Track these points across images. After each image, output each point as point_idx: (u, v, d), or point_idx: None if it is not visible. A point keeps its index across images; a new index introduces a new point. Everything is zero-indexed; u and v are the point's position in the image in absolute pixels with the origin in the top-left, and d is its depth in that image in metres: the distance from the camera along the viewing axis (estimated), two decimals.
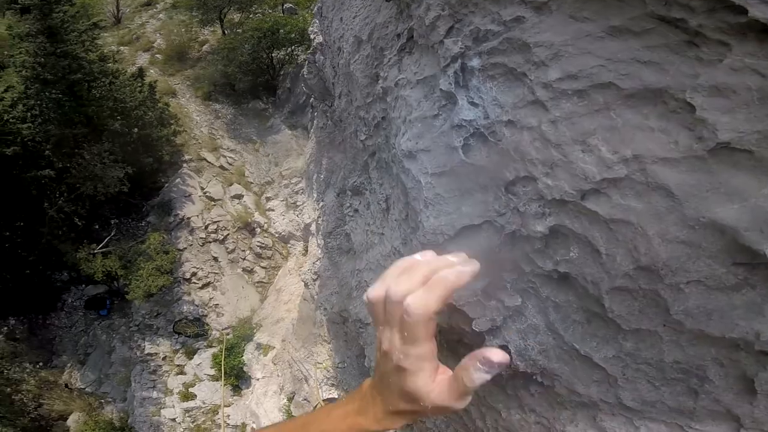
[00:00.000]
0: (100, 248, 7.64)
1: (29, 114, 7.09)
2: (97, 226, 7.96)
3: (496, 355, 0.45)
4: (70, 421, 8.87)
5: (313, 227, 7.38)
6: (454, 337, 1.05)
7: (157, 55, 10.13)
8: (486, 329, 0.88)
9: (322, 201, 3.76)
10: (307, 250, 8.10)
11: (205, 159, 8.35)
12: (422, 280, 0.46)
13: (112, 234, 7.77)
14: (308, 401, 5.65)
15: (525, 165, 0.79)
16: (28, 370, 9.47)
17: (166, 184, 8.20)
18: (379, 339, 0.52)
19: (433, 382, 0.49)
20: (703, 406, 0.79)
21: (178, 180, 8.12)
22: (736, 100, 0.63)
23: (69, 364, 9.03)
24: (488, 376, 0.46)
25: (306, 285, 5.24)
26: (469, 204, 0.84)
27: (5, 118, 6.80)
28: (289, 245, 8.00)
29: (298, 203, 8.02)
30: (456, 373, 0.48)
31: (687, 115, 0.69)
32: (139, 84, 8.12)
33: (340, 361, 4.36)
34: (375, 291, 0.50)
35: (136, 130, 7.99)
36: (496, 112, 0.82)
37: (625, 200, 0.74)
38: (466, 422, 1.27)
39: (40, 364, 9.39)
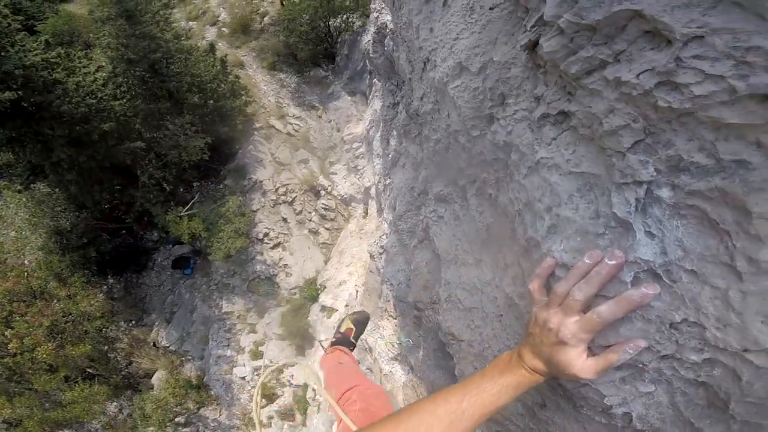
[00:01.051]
0: (186, 211, 8.40)
1: (119, 91, 7.78)
2: (182, 190, 8.77)
3: (643, 342, 0.70)
4: (155, 379, 9.69)
5: (372, 191, 7.42)
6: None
7: (224, 29, 10.56)
8: (616, 403, 0.91)
9: (389, 178, 3.69)
10: (366, 212, 8.18)
11: (274, 126, 8.77)
12: (600, 287, 0.71)
13: (196, 197, 8.50)
14: (371, 371, 5.52)
15: (698, 315, 0.74)
16: (122, 329, 10.47)
17: (240, 151, 8.77)
18: (542, 317, 0.75)
19: (582, 359, 0.72)
20: None
21: (250, 147, 8.65)
22: None
23: (157, 323, 9.93)
24: (628, 357, 0.72)
25: (372, 257, 5.16)
26: (627, 328, 0.79)
27: (100, 96, 7.44)
28: (350, 207, 8.13)
29: (358, 167, 8.13)
30: (603, 355, 0.72)
31: None
32: (212, 59, 8.60)
33: (407, 338, 4.28)
34: (538, 286, 0.82)
35: (212, 102, 8.50)
36: (678, 254, 0.75)
37: None
38: None
39: (133, 322, 10.37)
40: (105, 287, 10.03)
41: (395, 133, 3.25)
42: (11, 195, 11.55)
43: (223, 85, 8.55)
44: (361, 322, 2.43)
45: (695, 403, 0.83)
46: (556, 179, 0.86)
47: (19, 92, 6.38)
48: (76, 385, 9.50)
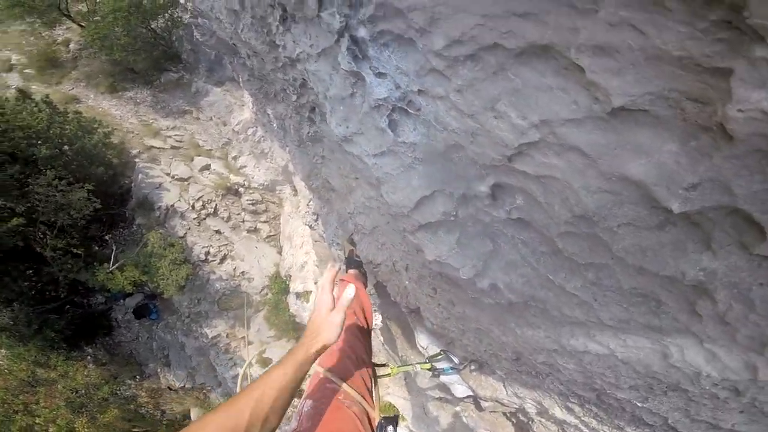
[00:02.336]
0: (113, 265, 7.75)
1: None
2: (97, 248, 7.94)
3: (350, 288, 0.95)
4: (194, 417, 9.60)
5: (290, 167, 6.92)
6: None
7: (26, 70, 8.74)
8: (472, 275, 0.94)
9: (287, 146, 3.58)
10: (295, 190, 7.78)
11: (153, 146, 7.64)
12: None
13: (114, 248, 7.78)
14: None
15: (450, 134, 0.77)
16: (133, 386, 10.68)
17: (132, 184, 7.76)
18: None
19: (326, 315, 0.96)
20: (667, 324, 0.83)
21: (140, 176, 7.59)
22: (622, 61, 0.57)
23: (158, 369, 9.81)
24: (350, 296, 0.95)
25: (311, 227, 5.14)
26: (416, 178, 0.83)
27: None
28: (277, 192, 7.67)
29: (265, 150, 7.45)
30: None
31: (579, 75, 0.64)
32: (33, 104, 7.26)
33: (369, 288, 4.43)
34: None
35: (66, 147, 7.39)
36: (404, 80, 0.79)
37: (547, 159, 0.72)
38: (493, 337, 1.38)
39: (138, 377, 10.29)
40: (89, 357, 9.64)
41: (264, 101, 3.22)
42: None
43: (67, 126, 7.30)
44: (353, 239, 2.45)
45: (540, 251, 0.90)
46: (314, 67, 0.95)
47: None
48: None
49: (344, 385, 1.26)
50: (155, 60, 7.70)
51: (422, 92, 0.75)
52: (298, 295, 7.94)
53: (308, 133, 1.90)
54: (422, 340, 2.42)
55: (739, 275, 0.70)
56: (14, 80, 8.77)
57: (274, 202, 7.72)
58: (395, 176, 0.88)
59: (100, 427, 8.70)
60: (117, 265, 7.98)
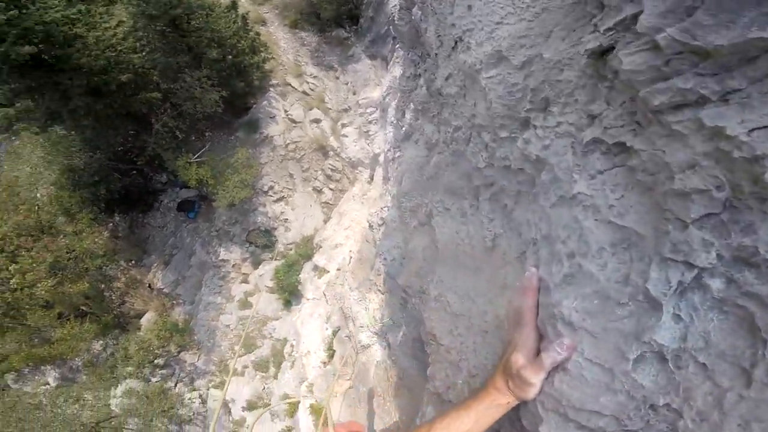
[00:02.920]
0: (196, 158, 8.54)
1: (138, 45, 7.86)
2: (193, 138, 8.85)
3: (568, 340, 0.70)
4: (144, 320, 9.85)
5: (381, 158, 7.35)
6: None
7: None
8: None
9: (400, 151, 3.40)
10: (372, 179, 8.19)
11: (290, 84, 8.75)
12: (523, 292, 0.83)
13: (207, 146, 8.61)
14: (349, 338, 5.57)
15: (682, 404, 0.64)
16: (121, 268, 10.61)
17: (255, 105, 8.77)
18: (507, 340, 0.87)
19: (529, 359, 0.75)
20: None
21: (265, 102, 8.69)
22: None
23: (155, 264, 10.10)
24: (561, 357, 0.71)
25: (370, 227, 4.88)
26: (608, 399, 0.72)
27: (119, 49, 7.60)
28: (357, 171, 8.16)
29: (370, 132, 8.14)
30: (539, 357, 0.74)
31: None
32: (233, 15, 8.59)
33: (389, 318, 4.11)
34: (508, 308, 0.92)
35: (230, 57, 8.52)
36: (698, 344, 0.63)
37: None
38: None
39: (133, 262, 10.55)
40: (111, 225, 10.21)
41: (412, 106, 2.96)
42: (28, 136, 11.81)
43: (242, 42, 8.56)
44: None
45: None
46: (590, 224, 0.69)
47: (40, 46, 6.53)
48: (68, 322, 9.64)
49: None
50: (339, 14, 8.90)
51: (704, 368, 0.59)
52: (315, 267, 7.83)
53: (450, 181, 1.61)
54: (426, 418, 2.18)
55: None
56: None
57: (348, 178, 8.19)
58: (590, 384, 0.71)
59: (57, 293, 8.87)
60: (199, 159, 8.81)
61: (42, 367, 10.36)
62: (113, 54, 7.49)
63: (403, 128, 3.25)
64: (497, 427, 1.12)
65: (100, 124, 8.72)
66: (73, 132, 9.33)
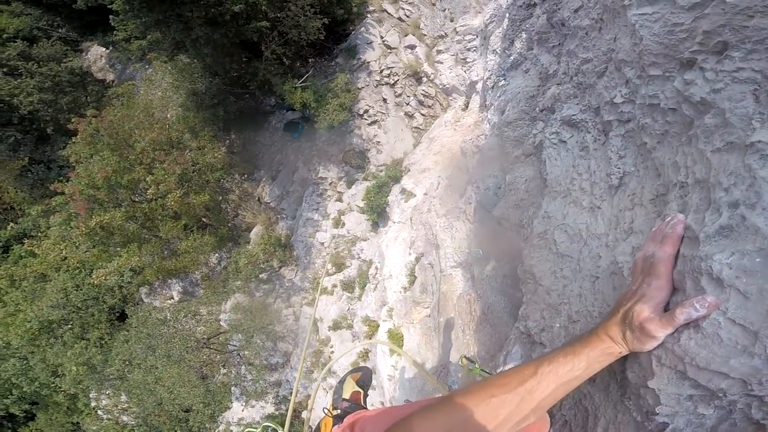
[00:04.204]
0: (301, 83, 9.26)
1: None
2: (298, 64, 9.41)
3: (712, 298, 0.62)
4: (253, 234, 10.71)
5: (479, 86, 7.00)
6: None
7: None
8: (665, 413, 0.76)
9: (504, 79, 3.20)
10: (467, 106, 8.15)
11: (386, 11, 8.63)
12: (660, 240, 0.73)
13: (310, 71, 9.17)
14: (432, 266, 5.38)
15: None
16: (236, 181, 11.59)
17: (353, 32, 8.88)
18: (630, 288, 0.76)
19: (656, 312, 0.69)
20: None
21: (362, 29, 8.80)
22: None
23: (264, 179, 10.97)
24: (699, 314, 0.63)
25: (464, 154, 4.55)
26: (740, 362, 0.63)
27: None
28: (450, 98, 8.22)
29: (468, 60, 7.86)
30: (671, 311, 0.67)
31: None
32: None
33: (477, 249, 3.86)
34: (638, 255, 0.79)
35: None
36: None
37: None
38: (588, 424, 1.13)
39: (245, 176, 11.51)
40: (227, 142, 11.19)
41: (525, 36, 2.75)
42: (159, 65, 13.36)
43: None
44: (366, 382, 2.00)
45: None
46: (765, 174, 0.63)
47: None
48: (192, 233, 10.64)
49: None
50: None
51: None
52: (403, 191, 7.92)
53: (573, 115, 1.45)
54: (512, 357, 1.91)
55: None
56: None
57: (441, 105, 8.33)
58: (724, 344, 0.67)
59: (184, 204, 9.73)
60: (303, 84, 9.55)
61: (168, 281, 11.48)
62: None
63: (511, 57, 3.07)
64: (593, 376, 1.03)
65: (217, 52, 9.56)
66: (195, 60, 10.23)
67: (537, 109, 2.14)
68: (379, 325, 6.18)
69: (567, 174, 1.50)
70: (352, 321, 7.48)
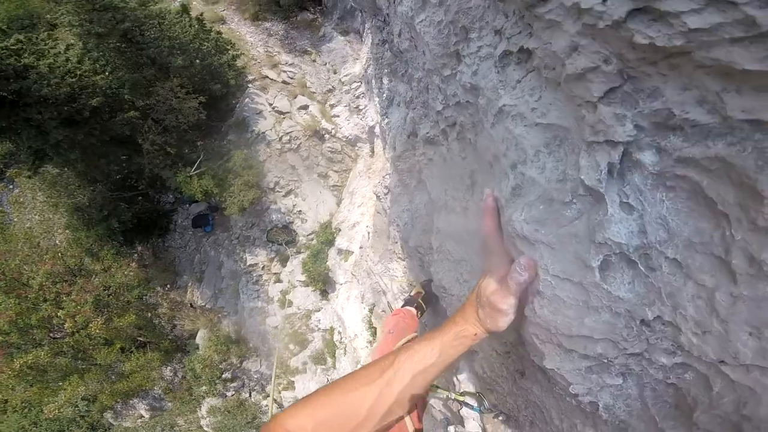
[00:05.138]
0: (195, 170, 8.12)
1: (97, 66, 7.01)
2: (187, 151, 8.24)
3: (525, 258, 0.65)
4: (198, 338, 9.52)
5: (377, 129, 6.92)
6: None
7: None
8: (583, 393, 0.77)
9: (387, 118, 3.36)
10: (373, 151, 7.81)
11: (268, 76, 7.88)
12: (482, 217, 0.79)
13: (202, 156, 8.09)
14: (385, 312, 5.40)
15: (674, 315, 0.58)
16: (160, 294, 10.20)
17: (238, 105, 8.02)
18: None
19: (501, 284, 0.68)
20: None
21: (247, 100, 7.93)
22: None
23: (189, 283, 9.58)
24: (523, 278, 0.65)
25: (378, 197, 4.78)
26: (593, 320, 0.65)
27: (79, 74, 6.75)
28: (356, 148, 7.70)
29: (360, 107, 7.60)
30: (506, 280, 0.67)
31: None
32: (187, 19, 7.80)
33: (414, 279, 3.97)
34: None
35: (198, 61, 7.78)
36: (660, 236, 0.55)
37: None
38: (545, 414, 1.22)
39: (168, 286, 10.06)
40: (135, 255, 9.78)
41: (386, 71, 2.95)
42: (24, 181, 11.32)
43: (206, 44, 7.73)
44: (431, 289, 2.26)
45: (664, 400, 0.71)
46: (520, 131, 0.67)
47: None
48: (132, 354, 9.71)
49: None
50: None
51: (677, 263, 0.54)
52: (339, 251, 7.35)
53: (428, 134, 1.56)
54: (462, 375, 2.07)
55: None
56: None
57: (350, 156, 7.75)
58: (567, 304, 0.68)
59: (111, 330, 8.75)
60: (198, 171, 8.40)
61: (130, 401, 10.58)
62: (74, 80, 6.62)
63: (384, 94, 3.19)
64: (522, 369, 1.14)
65: (88, 155, 8.09)
66: (65, 169, 8.75)
67: (406, 135, 2.24)
68: None
69: (441, 187, 1.56)
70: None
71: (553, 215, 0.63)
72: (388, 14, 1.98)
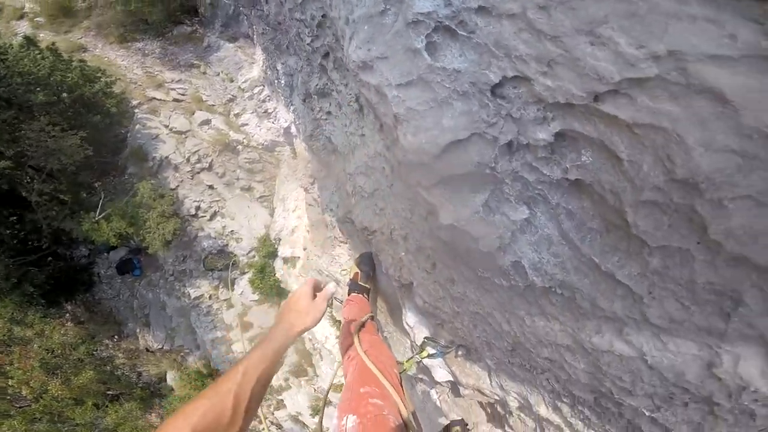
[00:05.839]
0: (100, 215, 7.16)
1: None
2: (85, 195, 7.22)
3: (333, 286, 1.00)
4: (169, 380, 8.85)
5: (293, 129, 6.49)
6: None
7: (37, 19, 7.99)
8: (494, 248, 0.74)
9: (293, 105, 3.29)
10: (295, 153, 7.43)
11: (155, 98, 6.84)
12: None
13: (103, 197, 7.09)
14: (341, 301, 5.57)
15: (513, 63, 0.58)
16: (110, 346, 9.45)
17: (129, 134, 6.91)
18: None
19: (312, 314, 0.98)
20: (735, 328, 0.68)
21: (138, 126, 6.81)
22: None
23: (137, 330, 8.68)
24: (331, 290, 1.02)
25: (306, 190, 4.74)
26: (450, 116, 0.65)
27: None
28: (276, 152, 7.20)
29: (269, 110, 7.02)
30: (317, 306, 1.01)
31: (748, 4, 0.45)
32: (37, 51, 6.67)
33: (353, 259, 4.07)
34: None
35: (65, 95, 6.73)
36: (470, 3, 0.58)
37: (656, 103, 0.53)
38: (492, 324, 1.22)
39: (116, 337, 9.14)
40: (67, 315, 8.76)
41: (276, 53, 2.92)
42: None
43: (69, 75, 6.66)
44: (364, 261, 2.22)
45: (589, 227, 0.68)
46: None
47: None
48: (108, 408, 8.97)
49: (389, 386, 1.21)
50: (171, 12, 7.19)
51: (483, 9, 0.57)
52: (285, 260, 6.96)
53: (317, 85, 1.71)
54: (410, 318, 2.13)
55: None
56: (23, 28, 8.29)
57: (271, 163, 7.23)
58: (421, 113, 0.68)
59: (74, 389, 8.02)
60: (103, 214, 7.36)
61: None
62: None
63: (283, 81, 3.09)
64: (433, 260, 1.22)
65: None
66: None
67: (304, 100, 2.22)
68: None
69: (343, 131, 1.65)
70: (327, 395, 7.17)
71: (375, 27, 0.69)
72: None
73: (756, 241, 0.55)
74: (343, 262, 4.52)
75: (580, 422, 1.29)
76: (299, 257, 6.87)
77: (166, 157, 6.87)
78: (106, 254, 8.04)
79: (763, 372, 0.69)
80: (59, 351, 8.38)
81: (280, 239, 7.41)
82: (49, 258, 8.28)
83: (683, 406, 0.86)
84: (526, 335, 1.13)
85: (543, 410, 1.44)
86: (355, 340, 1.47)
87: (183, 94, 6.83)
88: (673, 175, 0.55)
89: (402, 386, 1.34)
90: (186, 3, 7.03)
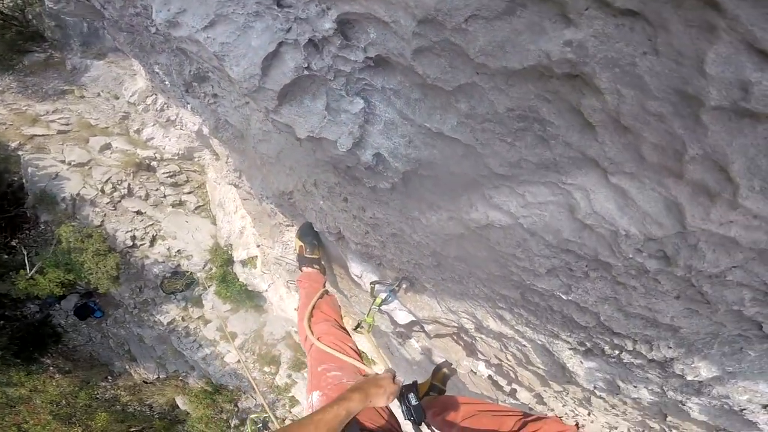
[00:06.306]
0: (32, 270, 6.63)
1: None
2: (6, 257, 6.69)
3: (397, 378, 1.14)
4: (181, 405, 8.84)
5: (204, 130, 5.91)
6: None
7: None
8: (351, 145, 0.78)
9: (189, 104, 3.04)
10: (216, 154, 6.79)
11: (35, 135, 5.92)
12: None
13: (26, 253, 6.56)
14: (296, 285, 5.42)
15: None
16: (108, 387, 9.19)
17: (26, 181, 6.12)
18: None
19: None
20: (560, 153, 0.72)
21: (30, 169, 5.98)
22: None
23: (127, 366, 8.50)
24: (401, 381, 1.18)
25: (236, 185, 4.66)
26: (255, 36, 0.70)
27: None
28: (196, 159, 6.60)
29: (171, 118, 6.26)
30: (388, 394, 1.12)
31: None
32: None
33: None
34: None
35: None
36: None
37: None
38: (407, 240, 1.25)
39: (109, 378, 9.00)
40: (50, 368, 8.53)
41: (148, 57, 2.78)
42: None
43: None
44: (304, 232, 2.21)
45: (413, 98, 0.70)
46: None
47: None
48: None
49: (343, 357, 1.39)
50: (10, 42, 6.18)
51: None
52: (243, 263, 6.66)
53: (190, 71, 1.65)
54: (354, 268, 2.12)
55: (614, 47, 0.54)
56: None
57: (195, 171, 6.68)
58: (233, 44, 0.70)
59: (96, 431, 7.93)
60: (35, 268, 6.89)
61: None
62: None
63: (167, 82, 2.95)
64: (336, 181, 1.27)
65: None
66: None
67: (199, 97, 2.17)
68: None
69: (235, 108, 1.75)
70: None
71: (237, 36, 0.71)
72: (102, 4, 1.86)
73: (505, 51, 0.57)
74: (293, 244, 4.47)
75: (527, 328, 1.36)
76: (256, 255, 6.67)
77: (77, 194, 6.21)
78: (57, 305, 7.61)
79: (618, 204, 0.70)
80: (64, 401, 8.29)
81: (231, 244, 7.13)
82: (2, 321, 7.78)
83: (586, 278, 0.88)
84: (431, 237, 1.16)
85: (492, 324, 1.51)
86: (308, 332, 1.59)
87: (66, 124, 5.99)
88: (416, 17, 0.59)
89: (360, 355, 1.51)
90: (25, 30, 5.93)
